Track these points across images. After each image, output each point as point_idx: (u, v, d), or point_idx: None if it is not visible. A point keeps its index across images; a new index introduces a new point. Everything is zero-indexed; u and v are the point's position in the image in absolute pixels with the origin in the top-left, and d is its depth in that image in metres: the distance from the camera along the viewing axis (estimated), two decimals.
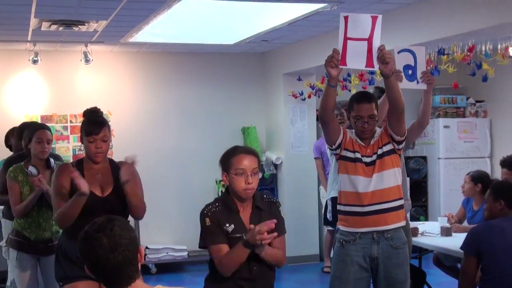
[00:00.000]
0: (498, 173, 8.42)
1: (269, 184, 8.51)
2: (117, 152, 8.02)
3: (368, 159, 3.95)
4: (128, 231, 2.27)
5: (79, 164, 3.81)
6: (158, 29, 6.51)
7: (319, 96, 7.75)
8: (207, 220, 3.18)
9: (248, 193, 3.20)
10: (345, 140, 4.00)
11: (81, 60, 7.49)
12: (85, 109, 3.93)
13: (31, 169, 4.57)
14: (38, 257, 4.71)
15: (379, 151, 3.95)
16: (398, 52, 4.18)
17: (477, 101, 9.01)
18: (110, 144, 3.92)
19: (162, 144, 8.42)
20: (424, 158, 8.86)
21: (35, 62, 7.31)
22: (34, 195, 4.51)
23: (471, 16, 5.08)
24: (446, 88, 8.50)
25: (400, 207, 3.99)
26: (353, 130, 4.08)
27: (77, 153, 7.97)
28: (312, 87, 7.76)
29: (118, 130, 8.09)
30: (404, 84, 4.14)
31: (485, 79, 5.27)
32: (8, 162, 5.15)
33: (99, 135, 3.72)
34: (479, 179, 5.72)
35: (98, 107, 3.92)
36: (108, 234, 2.21)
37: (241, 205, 3.25)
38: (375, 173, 3.91)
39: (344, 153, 4.00)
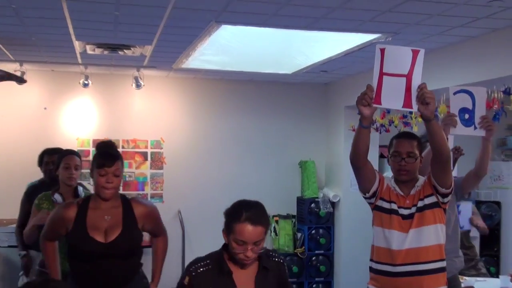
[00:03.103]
0: None
1: (325, 223, 8.03)
2: (169, 180, 7.80)
3: (405, 212, 3.48)
4: None
5: (85, 202, 3.53)
6: (209, 56, 6.23)
7: (380, 132, 7.24)
8: (187, 278, 2.79)
9: (246, 262, 2.78)
10: (382, 189, 3.56)
11: (132, 85, 7.31)
12: (97, 142, 3.75)
13: (57, 196, 4.42)
14: None
15: (420, 203, 3.48)
16: (454, 93, 3.71)
17: None
18: (121, 181, 3.63)
19: (216, 174, 8.08)
20: (498, 203, 8.14)
21: (85, 85, 7.15)
22: (33, 224, 4.33)
23: None
24: None
25: (441, 269, 3.48)
26: (392, 178, 3.61)
27: (127, 179, 7.75)
28: (373, 123, 7.23)
29: (170, 158, 7.89)
30: (459, 130, 3.71)
31: None
32: (30, 190, 5.01)
33: (111, 168, 3.49)
34: None
35: (112, 141, 3.69)
36: None
37: (236, 268, 2.82)
38: (412, 229, 3.44)
39: (380, 203, 3.56)
